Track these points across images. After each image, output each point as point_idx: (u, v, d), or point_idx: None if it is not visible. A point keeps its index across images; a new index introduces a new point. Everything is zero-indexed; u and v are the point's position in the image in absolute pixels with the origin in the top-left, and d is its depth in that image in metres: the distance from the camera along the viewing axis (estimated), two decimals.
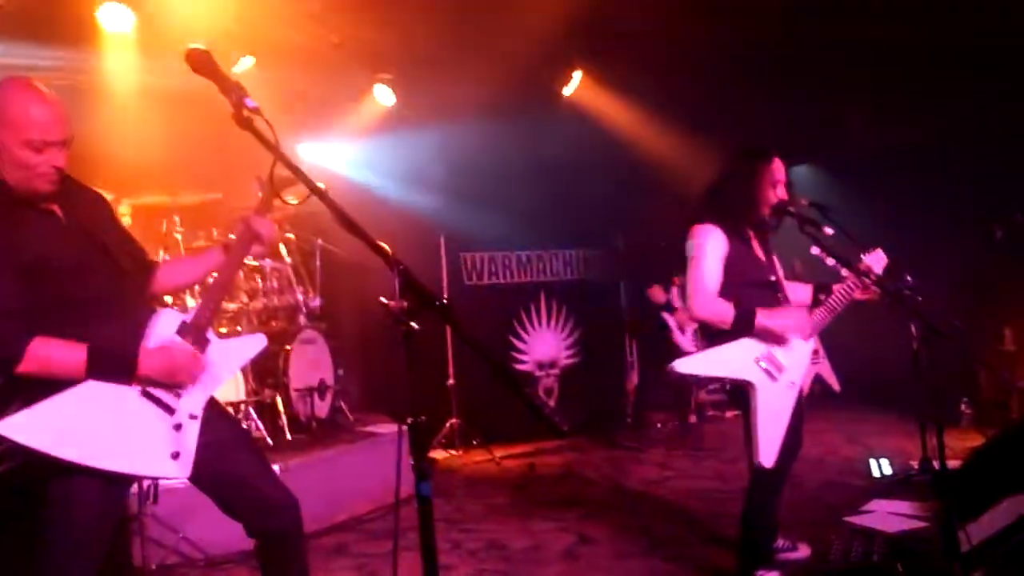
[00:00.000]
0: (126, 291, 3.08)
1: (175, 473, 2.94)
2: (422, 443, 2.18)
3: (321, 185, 2.39)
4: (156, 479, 2.82)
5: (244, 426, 5.99)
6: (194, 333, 3.08)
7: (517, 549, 5.41)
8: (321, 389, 6.97)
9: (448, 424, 8.44)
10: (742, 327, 4.21)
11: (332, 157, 9.28)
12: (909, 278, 5.07)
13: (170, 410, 2.95)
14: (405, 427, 2.17)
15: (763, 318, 4.19)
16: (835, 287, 4.38)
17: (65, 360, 2.77)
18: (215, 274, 3.36)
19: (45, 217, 2.97)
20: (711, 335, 4.35)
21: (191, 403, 3.03)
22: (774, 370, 4.23)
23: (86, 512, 2.82)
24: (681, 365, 4.24)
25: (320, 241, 7.64)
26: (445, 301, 2.18)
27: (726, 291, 4.29)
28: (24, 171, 2.82)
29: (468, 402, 8.50)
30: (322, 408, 7.00)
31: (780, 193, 4.37)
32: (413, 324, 2.14)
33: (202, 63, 2.55)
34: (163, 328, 3.05)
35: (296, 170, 2.33)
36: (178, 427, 2.95)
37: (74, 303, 2.90)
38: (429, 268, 8.64)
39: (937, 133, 8.78)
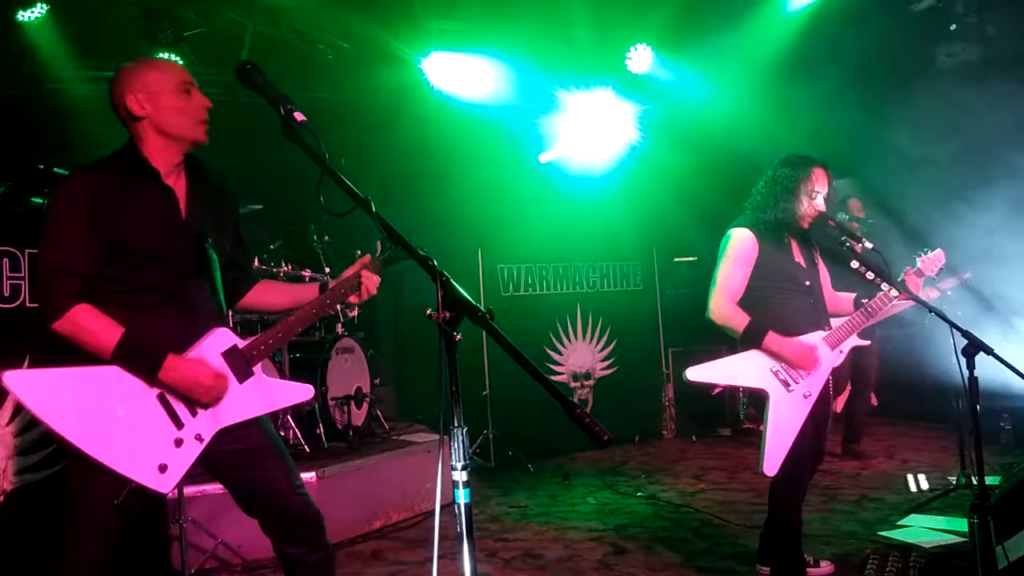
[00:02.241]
0: (200, 295, 3.08)
1: (155, 486, 2.82)
2: (463, 452, 2.20)
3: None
4: (134, 483, 2.77)
5: (281, 435, 6.05)
6: (240, 360, 3.05)
7: (552, 559, 5.43)
8: (358, 398, 7.02)
9: (483, 434, 8.46)
10: (750, 340, 4.27)
11: None
12: (949, 292, 5.05)
13: (179, 424, 2.90)
14: (446, 436, 2.18)
15: (771, 340, 4.22)
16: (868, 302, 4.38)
17: (97, 334, 2.78)
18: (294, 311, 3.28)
19: (160, 194, 3.01)
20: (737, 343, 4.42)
21: (204, 425, 2.95)
22: (790, 380, 4.26)
23: (99, 499, 2.77)
24: (692, 373, 4.28)
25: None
26: (486, 310, 2.19)
27: (756, 293, 4.36)
28: (181, 119, 2.99)
29: (504, 413, 8.52)
30: (358, 416, 7.05)
31: (818, 205, 4.37)
32: (457, 335, 2.16)
33: (251, 77, 2.56)
34: (213, 345, 3.02)
35: (343, 183, 2.35)
36: (179, 442, 2.88)
37: (142, 288, 2.92)
38: (467, 279, 8.65)
39: None
